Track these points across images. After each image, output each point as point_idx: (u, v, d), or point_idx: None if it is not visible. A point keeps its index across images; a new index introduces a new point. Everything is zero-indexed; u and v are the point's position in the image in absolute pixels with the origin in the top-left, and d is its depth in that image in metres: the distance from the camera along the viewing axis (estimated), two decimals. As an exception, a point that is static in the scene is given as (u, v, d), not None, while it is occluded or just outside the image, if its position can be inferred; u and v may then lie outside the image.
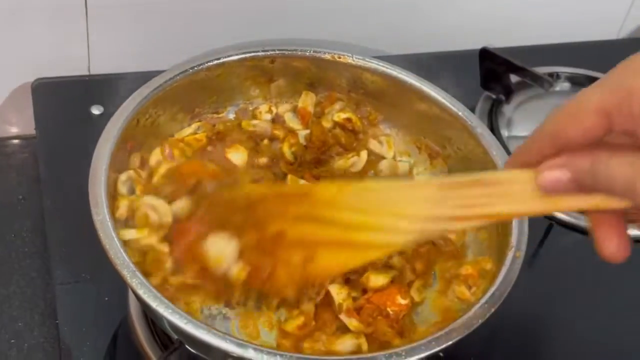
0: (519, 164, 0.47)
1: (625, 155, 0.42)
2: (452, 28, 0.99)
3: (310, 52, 0.75)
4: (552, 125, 0.45)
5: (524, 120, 0.91)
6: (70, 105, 0.85)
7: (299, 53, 0.75)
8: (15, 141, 0.89)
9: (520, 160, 0.47)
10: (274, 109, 0.77)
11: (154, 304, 0.54)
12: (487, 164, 0.70)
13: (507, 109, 0.92)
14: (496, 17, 1.00)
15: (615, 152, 0.42)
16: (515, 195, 0.47)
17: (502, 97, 0.92)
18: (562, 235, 0.82)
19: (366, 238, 0.52)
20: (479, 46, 0.92)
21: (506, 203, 0.47)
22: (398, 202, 0.51)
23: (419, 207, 0.50)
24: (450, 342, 0.57)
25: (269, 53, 0.74)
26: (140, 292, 0.54)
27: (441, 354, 0.61)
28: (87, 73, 0.88)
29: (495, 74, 0.91)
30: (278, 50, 0.74)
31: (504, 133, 0.89)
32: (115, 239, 0.57)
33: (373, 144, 0.76)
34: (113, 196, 0.64)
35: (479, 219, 0.49)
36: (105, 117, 0.81)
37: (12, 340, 0.71)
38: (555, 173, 0.44)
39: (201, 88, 0.73)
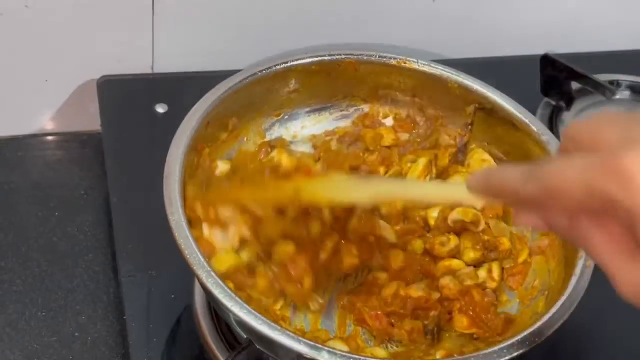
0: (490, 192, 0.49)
1: (610, 250, 0.43)
2: (512, 33, 0.99)
3: (376, 56, 0.76)
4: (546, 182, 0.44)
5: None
6: (135, 103, 0.86)
7: (365, 58, 0.75)
8: (78, 137, 0.90)
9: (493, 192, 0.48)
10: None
11: (229, 304, 0.55)
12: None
13: (568, 116, 0.92)
14: (557, 23, 0.99)
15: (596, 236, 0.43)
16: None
17: (563, 104, 0.91)
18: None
19: None
20: (539, 52, 0.91)
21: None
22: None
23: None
24: (522, 351, 0.57)
25: (335, 57, 0.75)
26: (216, 292, 0.55)
27: None
28: (150, 72, 0.89)
29: (556, 81, 0.90)
30: (345, 55, 0.75)
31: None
32: (190, 239, 0.58)
33: None
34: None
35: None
36: (169, 115, 0.84)
37: (76, 334, 0.72)
38: (533, 221, 0.48)
39: (267, 92, 0.74)
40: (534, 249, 0.70)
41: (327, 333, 0.65)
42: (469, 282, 0.68)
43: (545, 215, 0.47)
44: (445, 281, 0.67)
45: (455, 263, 0.69)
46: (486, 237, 0.71)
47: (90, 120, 0.87)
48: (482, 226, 0.71)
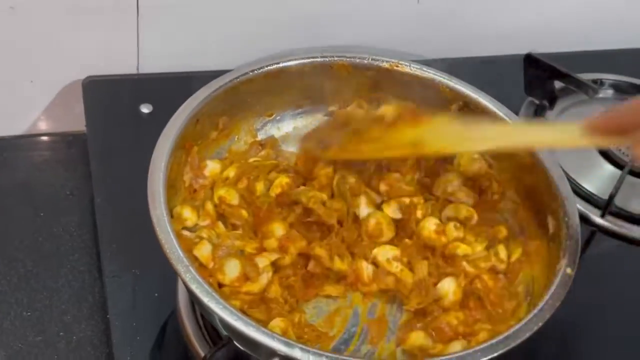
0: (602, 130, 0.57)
1: None
2: (495, 33, 0.99)
3: (368, 59, 0.76)
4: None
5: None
6: (120, 103, 0.87)
7: (358, 60, 0.76)
8: (64, 138, 0.90)
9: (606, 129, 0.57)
10: None
11: (205, 299, 0.55)
12: (534, 168, 0.71)
13: (551, 115, 0.92)
14: (540, 23, 1.00)
15: None
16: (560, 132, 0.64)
17: (546, 102, 0.92)
18: (605, 243, 0.83)
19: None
20: (522, 52, 0.92)
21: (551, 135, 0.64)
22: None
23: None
24: (497, 353, 0.58)
25: (327, 59, 0.75)
26: (193, 287, 0.56)
27: None
28: (136, 72, 0.89)
29: (539, 80, 0.91)
30: (337, 57, 0.76)
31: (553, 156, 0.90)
32: (171, 234, 0.58)
33: None
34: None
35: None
36: (154, 115, 0.84)
37: (61, 333, 0.72)
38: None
39: (258, 91, 0.75)
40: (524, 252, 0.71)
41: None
42: (483, 265, 0.69)
43: None
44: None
45: (463, 247, 0.70)
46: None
47: (76, 121, 0.88)
48: (475, 220, 0.72)
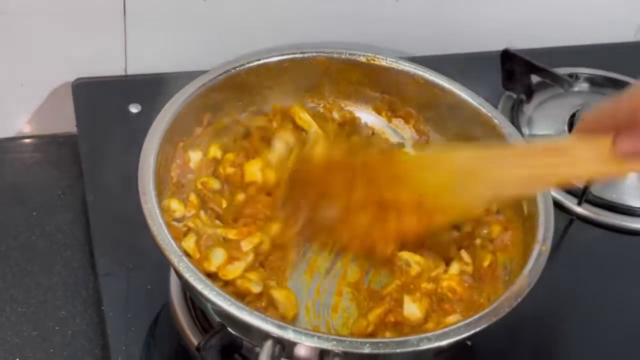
0: (589, 130, 0.55)
1: None
2: (473, 30, 1.02)
3: (346, 54, 0.78)
4: (630, 102, 0.51)
5: (543, 119, 0.93)
6: (109, 104, 0.88)
7: (335, 55, 0.78)
8: (55, 139, 0.91)
9: (592, 127, 0.55)
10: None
11: (199, 286, 0.57)
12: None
13: (528, 108, 0.95)
14: (517, 20, 1.02)
15: None
16: (589, 159, 0.56)
17: (523, 96, 0.95)
18: (582, 231, 0.85)
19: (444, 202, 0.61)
20: (499, 48, 0.94)
21: (582, 166, 0.57)
22: (477, 167, 0.61)
23: (498, 171, 0.60)
24: (478, 329, 0.59)
25: (306, 55, 0.77)
26: (187, 275, 0.57)
27: (469, 342, 0.64)
28: (124, 73, 0.91)
29: (516, 75, 0.93)
30: (316, 52, 0.77)
31: (525, 131, 0.92)
32: (163, 225, 0.60)
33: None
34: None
35: (556, 181, 0.61)
36: (143, 115, 0.86)
37: (57, 328, 0.74)
38: (635, 143, 0.52)
39: (240, 87, 0.76)
40: (498, 245, 0.71)
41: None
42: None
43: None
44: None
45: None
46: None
47: (66, 122, 0.89)
48: None
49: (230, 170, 0.73)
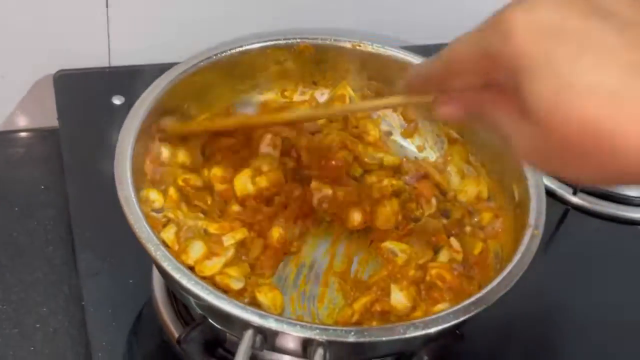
0: (415, 90, 0.55)
1: (506, 114, 0.45)
2: (465, 19, 1.00)
3: (331, 40, 0.77)
4: (446, 64, 0.48)
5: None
6: (92, 96, 0.87)
7: (320, 41, 0.76)
8: (38, 133, 0.90)
9: (417, 88, 0.54)
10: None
11: (177, 275, 0.55)
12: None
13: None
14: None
15: (497, 105, 0.46)
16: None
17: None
18: (578, 221, 0.83)
19: None
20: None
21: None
22: None
23: None
24: (468, 316, 0.57)
25: (290, 41, 0.76)
26: (165, 264, 0.56)
27: (458, 331, 0.62)
28: (107, 65, 0.89)
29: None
30: (300, 38, 0.76)
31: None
32: (140, 214, 0.58)
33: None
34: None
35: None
36: (127, 107, 0.82)
37: (38, 325, 0.72)
38: (450, 109, 0.51)
39: (225, 73, 0.75)
40: (489, 233, 0.70)
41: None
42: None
43: (457, 99, 0.50)
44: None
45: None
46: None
47: (49, 116, 0.87)
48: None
49: (220, 187, 0.70)
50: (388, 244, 0.68)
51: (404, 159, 0.76)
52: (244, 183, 0.70)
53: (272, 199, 0.70)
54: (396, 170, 0.75)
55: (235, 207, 0.69)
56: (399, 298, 0.64)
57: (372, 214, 0.70)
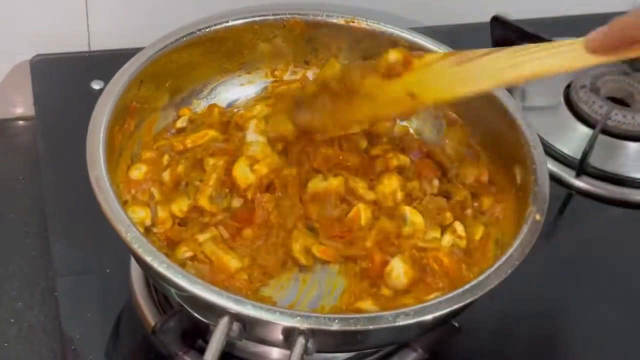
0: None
1: None
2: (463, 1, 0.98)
3: (322, 15, 0.74)
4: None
5: (536, 90, 0.88)
6: (71, 81, 0.84)
7: (311, 17, 0.73)
8: (18, 122, 0.88)
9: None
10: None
11: (149, 258, 0.52)
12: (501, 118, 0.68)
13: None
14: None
15: None
16: (563, 53, 0.57)
17: (514, 65, 0.90)
18: (582, 204, 0.81)
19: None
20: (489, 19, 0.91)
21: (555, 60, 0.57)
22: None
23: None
24: (462, 304, 0.54)
25: (279, 17, 0.73)
26: (135, 246, 0.52)
27: (455, 324, 0.60)
28: (87, 49, 0.87)
29: (507, 42, 0.89)
30: (289, 14, 0.73)
31: (518, 104, 0.87)
32: (111, 194, 0.55)
33: None
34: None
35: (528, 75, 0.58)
36: (106, 91, 0.81)
37: (12, 320, 0.70)
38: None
39: (209, 51, 0.72)
40: (489, 218, 0.68)
41: None
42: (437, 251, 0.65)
43: None
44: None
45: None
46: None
47: (27, 104, 0.85)
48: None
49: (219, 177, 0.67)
50: (406, 208, 0.66)
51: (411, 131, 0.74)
52: (244, 172, 0.66)
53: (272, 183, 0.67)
54: (401, 147, 0.72)
55: (237, 202, 0.67)
56: (398, 268, 0.62)
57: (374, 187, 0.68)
